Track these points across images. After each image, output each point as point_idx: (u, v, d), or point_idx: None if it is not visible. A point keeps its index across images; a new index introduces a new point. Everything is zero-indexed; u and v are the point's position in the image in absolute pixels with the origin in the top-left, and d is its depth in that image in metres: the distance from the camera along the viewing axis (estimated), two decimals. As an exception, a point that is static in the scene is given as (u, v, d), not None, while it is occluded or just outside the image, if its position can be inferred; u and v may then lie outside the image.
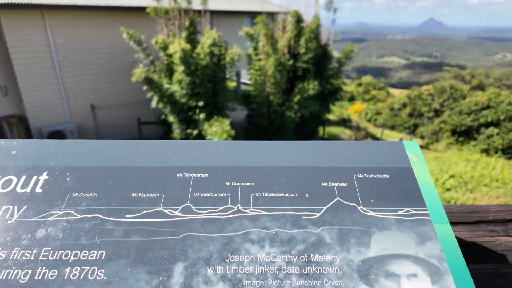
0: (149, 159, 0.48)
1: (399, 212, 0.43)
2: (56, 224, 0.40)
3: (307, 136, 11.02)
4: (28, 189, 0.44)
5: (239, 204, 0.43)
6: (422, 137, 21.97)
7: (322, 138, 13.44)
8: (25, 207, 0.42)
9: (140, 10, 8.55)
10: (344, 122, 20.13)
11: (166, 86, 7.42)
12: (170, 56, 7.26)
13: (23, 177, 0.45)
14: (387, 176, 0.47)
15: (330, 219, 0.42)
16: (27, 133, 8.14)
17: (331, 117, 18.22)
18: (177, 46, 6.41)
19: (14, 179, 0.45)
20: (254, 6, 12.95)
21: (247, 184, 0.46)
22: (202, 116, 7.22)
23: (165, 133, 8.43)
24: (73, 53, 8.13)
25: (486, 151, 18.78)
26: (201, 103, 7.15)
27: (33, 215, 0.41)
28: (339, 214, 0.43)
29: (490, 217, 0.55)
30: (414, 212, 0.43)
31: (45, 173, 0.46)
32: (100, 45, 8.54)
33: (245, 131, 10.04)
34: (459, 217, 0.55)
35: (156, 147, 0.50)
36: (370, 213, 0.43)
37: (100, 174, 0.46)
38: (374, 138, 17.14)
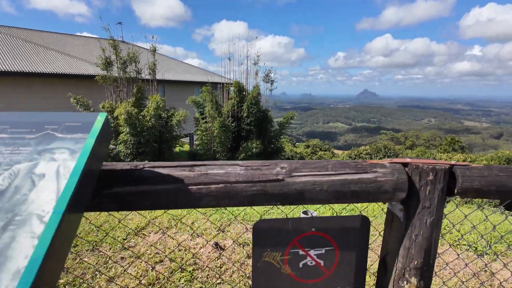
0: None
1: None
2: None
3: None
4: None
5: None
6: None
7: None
8: None
9: (89, 77, 9.03)
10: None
11: (111, 147, 7.58)
12: (116, 118, 7.60)
13: None
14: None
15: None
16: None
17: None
18: (122, 108, 6.83)
19: None
20: (201, 77, 14.26)
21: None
22: (146, 175, 7.35)
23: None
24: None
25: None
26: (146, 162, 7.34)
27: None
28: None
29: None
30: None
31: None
32: (44, 110, 8.64)
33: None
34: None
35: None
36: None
37: None
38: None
